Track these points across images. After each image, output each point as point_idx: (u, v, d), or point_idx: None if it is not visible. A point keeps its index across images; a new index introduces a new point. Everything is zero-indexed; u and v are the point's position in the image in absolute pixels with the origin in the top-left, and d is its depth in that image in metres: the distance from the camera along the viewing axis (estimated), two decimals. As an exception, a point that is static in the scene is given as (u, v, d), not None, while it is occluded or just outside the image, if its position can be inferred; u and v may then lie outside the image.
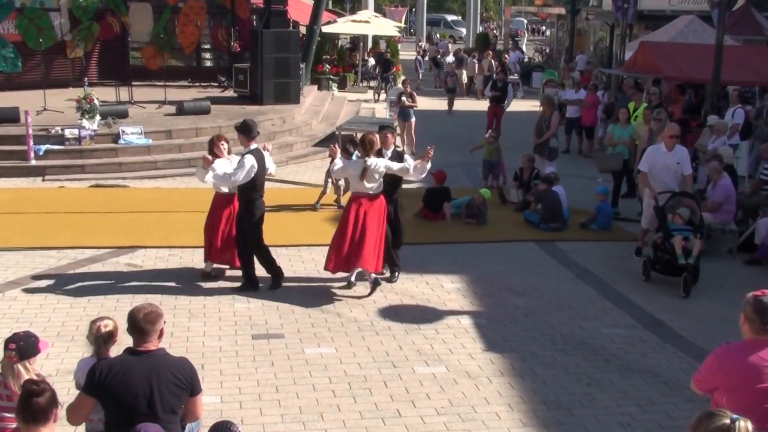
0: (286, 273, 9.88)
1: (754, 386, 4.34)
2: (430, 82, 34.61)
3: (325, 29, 29.56)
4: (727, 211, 11.36)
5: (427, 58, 37.26)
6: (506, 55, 35.89)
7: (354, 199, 9.25)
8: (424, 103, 23.93)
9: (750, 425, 3.40)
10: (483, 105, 23.14)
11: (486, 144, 15.16)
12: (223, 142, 9.43)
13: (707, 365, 4.63)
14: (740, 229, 11.63)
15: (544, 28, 60.25)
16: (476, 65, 30.87)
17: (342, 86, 29.13)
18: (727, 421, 3.39)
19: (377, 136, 9.32)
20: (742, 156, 15.01)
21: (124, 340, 4.85)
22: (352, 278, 9.57)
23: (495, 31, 57.73)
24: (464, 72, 32.06)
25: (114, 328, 5.13)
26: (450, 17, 67.18)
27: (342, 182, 12.88)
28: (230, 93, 20.93)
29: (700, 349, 7.96)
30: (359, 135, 10.97)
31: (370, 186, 9.16)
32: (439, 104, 27.85)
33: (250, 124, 9.25)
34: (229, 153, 9.51)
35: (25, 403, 4.03)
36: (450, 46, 39.97)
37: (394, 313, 8.85)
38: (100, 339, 5.06)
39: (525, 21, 66.36)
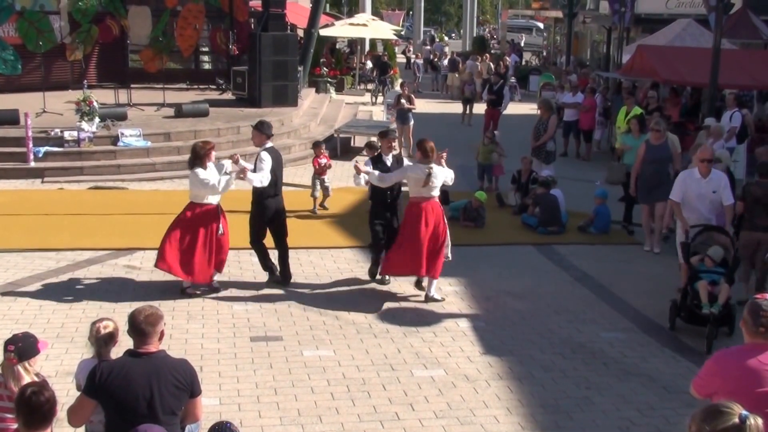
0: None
1: (753, 390, 4.33)
2: (426, 85, 34.63)
3: (323, 32, 29.60)
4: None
5: (415, 60, 37.23)
6: (507, 59, 35.97)
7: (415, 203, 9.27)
8: (422, 105, 23.97)
9: (760, 422, 3.22)
10: (481, 108, 23.18)
11: (481, 146, 15.22)
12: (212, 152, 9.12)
13: (706, 369, 4.64)
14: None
15: (544, 29, 60.15)
16: (478, 67, 30.90)
17: (339, 89, 29.19)
18: (737, 420, 3.20)
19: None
20: (739, 159, 15.06)
21: (125, 342, 4.86)
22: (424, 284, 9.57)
23: (492, 34, 57.71)
24: (456, 75, 32.16)
25: (114, 329, 5.16)
26: (540, 24, 56.37)
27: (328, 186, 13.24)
28: (228, 96, 20.95)
29: (699, 354, 7.99)
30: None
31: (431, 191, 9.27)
32: (437, 107, 27.90)
33: (265, 122, 9.52)
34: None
35: (26, 408, 4.04)
36: (447, 48, 40.05)
37: (392, 316, 8.86)
38: (101, 340, 5.09)
39: (522, 25, 66.36)
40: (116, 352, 5.01)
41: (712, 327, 8.24)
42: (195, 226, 9.04)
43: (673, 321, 8.81)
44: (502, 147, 15.38)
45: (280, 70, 19.44)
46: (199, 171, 8.86)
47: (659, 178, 11.26)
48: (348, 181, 15.43)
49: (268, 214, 9.45)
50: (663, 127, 11.75)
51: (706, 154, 9.35)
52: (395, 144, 9.81)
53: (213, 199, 9.09)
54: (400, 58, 40.41)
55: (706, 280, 8.55)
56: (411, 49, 43.35)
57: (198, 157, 8.92)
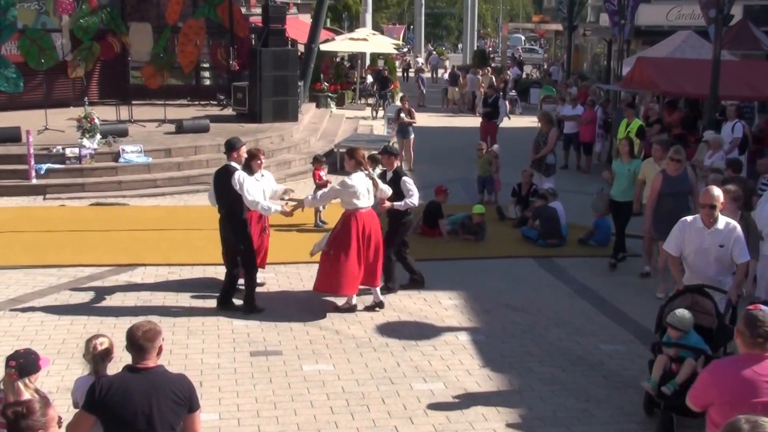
0: (285, 290, 9.93)
1: (749, 400, 4.33)
2: (432, 99, 34.70)
3: (323, 47, 29.72)
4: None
5: (412, 72, 37.43)
6: (509, 72, 36.10)
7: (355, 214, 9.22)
8: (423, 120, 24.04)
9: None
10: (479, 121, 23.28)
11: (478, 159, 15.27)
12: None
13: (702, 380, 4.66)
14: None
15: (541, 44, 60.46)
16: (479, 81, 30.99)
17: (340, 104, 29.30)
18: None
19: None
20: (741, 171, 15.02)
21: (124, 358, 4.89)
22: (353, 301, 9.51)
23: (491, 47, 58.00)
24: (456, 89, 32.30)
25: (110, 345, 5.19)
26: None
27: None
28: (229, 111, 21.04)
29: (698, 364, 7.98)
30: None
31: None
32: (439, 121, 27.95)
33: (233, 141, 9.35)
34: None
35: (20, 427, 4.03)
36: (447, 62, 40.24)
37: (392, 330, 8.87)
38: (98, 357, 5.12)
39: (522, 38, 66.67)
40: (116, 368, 5.03)
41: (664, 414, 6.39)
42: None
43: (649, 407, 6.92)
44: (499, 159, 15.39)
45: (280, 86, 19.55)
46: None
47: (680, 214, 9.56)
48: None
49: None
50: (683, 156, 9.94)
51: (708, 199, 7.06)
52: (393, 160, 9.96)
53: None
54: (400, 74, 40.62)
55: (665, 355, 6.72)
56: (411, 63, 43.58)
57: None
